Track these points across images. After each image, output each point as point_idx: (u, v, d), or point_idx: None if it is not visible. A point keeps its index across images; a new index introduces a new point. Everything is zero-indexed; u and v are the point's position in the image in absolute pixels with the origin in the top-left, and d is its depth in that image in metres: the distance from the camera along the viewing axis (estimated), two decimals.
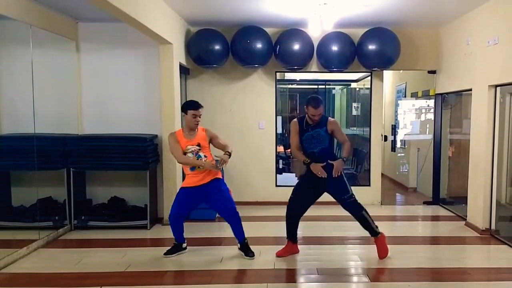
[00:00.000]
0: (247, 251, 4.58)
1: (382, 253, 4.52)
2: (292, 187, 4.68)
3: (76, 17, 5.88)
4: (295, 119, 4.62)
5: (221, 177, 4.59)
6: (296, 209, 4.56)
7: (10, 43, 5.63)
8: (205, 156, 4.46)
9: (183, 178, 4.66)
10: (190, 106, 4.43)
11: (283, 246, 4.66)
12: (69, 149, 5.51)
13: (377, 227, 4.55)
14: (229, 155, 4.49)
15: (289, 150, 8.43)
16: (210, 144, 4.58)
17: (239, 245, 4.64)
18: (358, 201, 4.48)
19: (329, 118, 4.59)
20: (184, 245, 4.73)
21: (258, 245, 4.76)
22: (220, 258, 4.56)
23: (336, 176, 4.32)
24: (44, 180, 5.63)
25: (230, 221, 4.58)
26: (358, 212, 4.48)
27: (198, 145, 4.44)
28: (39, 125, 5.07)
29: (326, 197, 4.54)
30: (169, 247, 4.68)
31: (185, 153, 4.41)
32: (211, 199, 4.56)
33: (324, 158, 4.41)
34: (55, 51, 5.90)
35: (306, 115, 4.46)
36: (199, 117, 4.42)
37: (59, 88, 5.97)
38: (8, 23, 5.22)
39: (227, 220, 4.60)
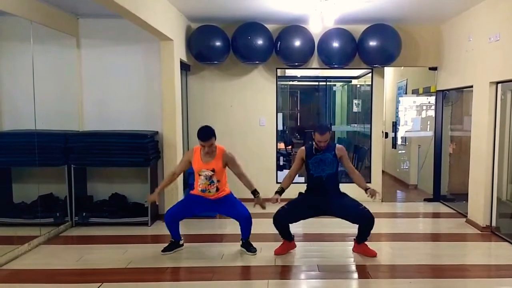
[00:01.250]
0: (249, 247, 4.59)
1: (373, 252, 4.52)
2: (292, 183, 4.68)
3: (76, 13, 5.87)
4: (303, 147, 4.65)
5: (229, 192, 4.61)
6: (284, 218, 4.51)
7: (11, 40, 5.62)
8: (217, 181, 4.42)
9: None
10: (198, 136, 4.33)
11: (280, 244, 4.66)
12: (70, 145, 5.51)
13: None
14: (258, 194, 4.50)
15: (290, 147, 8.45)
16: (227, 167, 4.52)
17: (241, 241, 4.65)
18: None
19: (337, 144, 4.64)
20: (181, 241, 4.73)
21: (259, 242, 4.77)
22: (221, 255, 4.57)
23: (375, 196, 4.32)
24: (45, 177, 5.64)
25: (244, 225, 4.58)
26: (372, 219, 4.41)
27: (213, 170, 4.39)
28: (40, 122, 5.07)
29: None
30: (166, 244, 4.68)
31: (199, 174, 4.40)
32: (223, 211, 4.62)
33: (330, 185, 4.46)
34: (56, 47, 5.90)
35: (314, 142, 4.49)
36: (208, 147, 4.31)
37: (60, 84, 5.96)
38: (8, 19, 5.21)
39: (240, 222, 4.58)
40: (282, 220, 4.51)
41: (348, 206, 4.46)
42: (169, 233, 4.68)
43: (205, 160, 4.40)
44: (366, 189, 4.40)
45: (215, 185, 4.43)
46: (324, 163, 4.46)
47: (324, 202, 4.46)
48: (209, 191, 4.44)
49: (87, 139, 5.62)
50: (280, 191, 4.48)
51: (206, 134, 4.30)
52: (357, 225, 4.51)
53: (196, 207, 4.59)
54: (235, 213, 4.58)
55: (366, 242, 4.60)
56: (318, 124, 4.59)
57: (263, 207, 4.46)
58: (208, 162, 4.39)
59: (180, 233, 4.70)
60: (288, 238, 4.65)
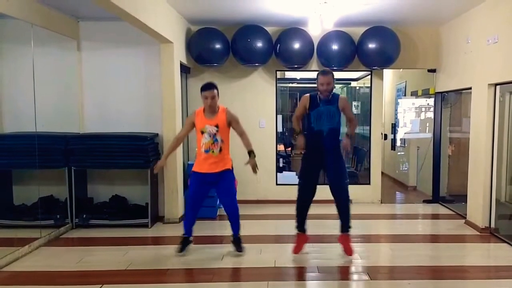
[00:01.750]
0: (239, 245, 4.60)
1: (350, 250, 4.52)
2: (291, 185, 4.69)
3: (77, 16, 5.89)
4: (308, 94, 4.55)
5: (231, 167, 4.58)
6: (307, 192, 4.51)
7: (12, 42, 5.64)
8: (221, 141, 4.40)
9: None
10: (201, 88, 4.41)
11: (295, 243, 4.63)
12: (70, 147, 5.53)
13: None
14: (254, 155, 4.50)
15: (289, 148, 8.46)
16: (231, 127, 4.52)
17: (232, 237, 4.65)
18: None
19: (340, 95, 4.60)
20: (191, 238, 4.70)
21: (259, 243, 4.79)
22: (221, 256, 4.57)
23: (347, 151, 4.30)
24: (46, 179, 5.66)
25: (230, 214, 4.59)
26: (347, 200, 4.50)
27: (217, 126, 4.38)
28: (40, 124, 5.09)
29: (327, 195, 4.55)
30: (178, 245, 4.61)
31: (202, 132, 4.38)
32: (219, 188, 4.55)
33: (331, 140, 4.41)
34: (57, 50, 5.92)
35: (318, 92, 4.43)
36: (211, 99, 4.35)
37: (60, 87, 5.98)
38: (9, 22, 5.24)
39: (227, 212, 4.60)
40: (307, 196, 4.50)
41: (336, 174, 4.46)
42: (170, 235, 4.68)
43: (209, 117, 4.41)
44: (347, 134, 4.47)
45: (219, 145, 4.39)
46: (327, 116, 4.39)
47: (322, 160, 4.45)
48: (213, 151, 4.39)
49: (87, 141, 5.64)
50: (299, 133, 4.49)
51: (210, 84, 4.44)
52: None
53: (202, 183, 4.50)
54: (226, 199, 4.57)
55: (350, 239, 4.58)
56: (321, 69, 4.55)
57: (254, 171, 4.48)
58: (212, 118, 4.40)
59: (180, 234, 4.69)
60: (303, 229, 4.63)
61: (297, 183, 4.61)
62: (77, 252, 4.77)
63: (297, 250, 4.60)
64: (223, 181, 4.51)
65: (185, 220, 4.69)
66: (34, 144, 5.15)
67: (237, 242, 4.62)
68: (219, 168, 4.45)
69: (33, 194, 5.48)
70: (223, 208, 4.73)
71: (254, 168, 4.48)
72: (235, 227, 4.62)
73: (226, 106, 4.47)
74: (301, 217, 4.61)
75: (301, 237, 4.65)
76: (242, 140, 4.59)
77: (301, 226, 4.64)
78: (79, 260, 4.48)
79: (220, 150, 4.42)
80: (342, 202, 4.51)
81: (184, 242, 4.62)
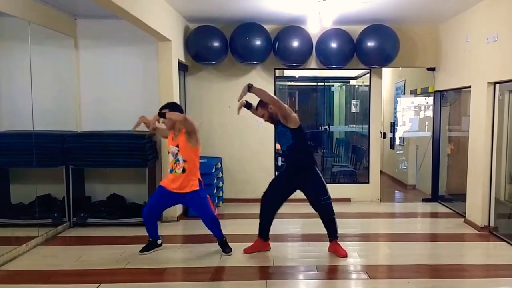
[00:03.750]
0: (225, 247, 4.58)
1: (344, 252, 4.51)
2: None
3: (74, 14, 5.87)
4: None
5: (198, 188, 4.43)
6: (270, 205, 4.55)
7: (9, 40, 5.60)
8: (183, 161, 4.32)
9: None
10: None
11: (253, 242, 4.65)
12: (68, 146, 5.50)
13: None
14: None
15: None
16: (190, 139, 4.35)
17: (217, 241, 4.62)
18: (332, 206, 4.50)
19: None
20: (159, 241, 4.70)
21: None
22: (219, 255, 4.56)
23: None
24: (43, 177, 5.63)
25: (208, 226, 4.55)
26: (329, 216, 4.48)
27: (177, 146, 4.34)
28: (37, 122, 5.06)
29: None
30: (144, 244, 4.65)
31: (168, 152, 4.40)
32: (190, 205, 4.58)
33: (294, 157, 4.46)
34: (54, 48, 5.89)
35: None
36: (169, 121, 4.34)
37: (57, 85, 5.96)
38: (6, 20, 5.20)
39: (206, 224, 4.55)
40: (270, 208, 4.54)
41: (314, 194, 4.47)
42: (167, 234, 4.67)
43: (174, 138, 4.41)
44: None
45: (181, 165, 4.32)
46: (281, 136, 4.45)
47: (294, 178, 4.46)
48: (175, 171, 4.34)
49: (85, 139, 5.62)
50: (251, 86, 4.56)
51: (167, 104, 4.48)
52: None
53: (166, 199, 4.48)
54: (199, 213, 4.54)
55: (339, 242, 4.59)
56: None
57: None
58: (175, 139, 4.40)
59: (178, 233, 4.69)
60: (264, 236, 4.64)
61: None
62: (74, 251, 4.75)
63: (248, 250, 4.60)
64: (192, 201, 4.48)
65: (145, 226, 4.64)
66: (32, 142, 5.12)
67: (223, 245, 4.60)
68: (185, 189, 4.38)
69: (30, 193, 5.46)
70: (220, 208, 4.71)
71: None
72: (217, 234, 4.58)
73: (225, 106, 4.45)
74: (261, 222, 4.63)
75: (261, 243, 4.65)
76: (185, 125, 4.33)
77: (263, 233, 4.65)
78: (76, 259, 4.46)
79: (183, 170, 4.34)
80: (325, 218, 4.52)
81: (150, 244, 4.65)
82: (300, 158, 4.44)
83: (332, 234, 4.55)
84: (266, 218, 4.61)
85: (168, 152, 4.42)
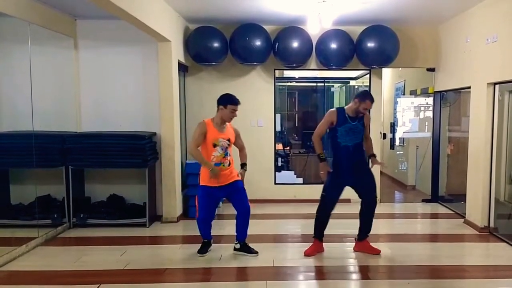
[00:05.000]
0: (249, 249, 4.57)
1: (376, 250, 4.59)
2: (290, 185, 4.67)
3: (74, 15, 5.86)
4: (334, 109, 4.57)
5: (239, 177, 4.53)
6: (328, 204, 4.53)
7: (8, 41, 5.59)
8: (230, 155, 4.42)
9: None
10: (231, 101, 4.38)
11: (311, 245, 4.64)
12: (67, 146, 5.50)
13: None
14: (246, 168, 4.56)
15: (288, 148, 8.44)
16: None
17: (238, 245, 4.60)
18: None
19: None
20: (212, 241, 4.70)
21: (257, 243, 4.76)
22: (219, 256, 4.56)
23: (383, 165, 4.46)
24: (43, 178, 5.62)
25: (242, 219, 4.54)
26: (372, 213, 4.57)
27: (229, 140, 4.40)
28: (37, 123, 5.06)
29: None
30: (199, 245, 4.62)
31: (214, 145, 4.31)
32: (231, 198, 4.50)
33: (357, 154, 4.44)
34: (54, 49, 5.89)
35: (353, 107, 4.40)
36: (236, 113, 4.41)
37: (57, 85, 5.96)
38: (6, 20, 5.20)
39: (240, 216, 4.53)
40: (327, 207, 4.52)
41: (367, 189, 4.53)
42: (168, 234, 4.66)
43: (221, 130, 4.39)
44: (369, 156, 4.53)
45: (228, 159, 4.39)
46: (354, 132, 4.41)
47: (350, 176, 4.45)
48: (223, 165, 4.35)
49: (85, 140, 5.61)
50: (324, 159, 4.46)
51: (237, 99, 4.44)
52: (360, 214, 4.58)
53: (212, 198, 4.47)
54: (239, 201, 4.49)
55: (367, 241, 4.64)
56: (364, 91, 4.64)
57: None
58: (223, 132, 4.40)
59: (179, 234, 4.69)
60: (320, 237, 4.64)
61: (320, 196, 4.57)
62: (74, 252, 4.75)
63: (309, 252, 4.58)
64: (235, 191, 4.46)
65: (200, 231, 4.62)
66: (31, 143, 5.11)
67: (246, 247, 4.59)
68: (229, 180, 4.42)
69: (30, 194, 5.45)
70: (220, 208, 4.71)
71: (242, 178, 4.52)
72: (243, 229, 4.56)
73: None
74: (322, 228, 4.63)
75: (318, 245, 4.65)
76: (240, 153, 4.65)
77: (320, 234, 4.65)
78: (76, 260, 4.46)
79: (229, 164, 4.42)
80: (368, 215, 4.56)
81: (206, 245, 4.63)
82: (362, 154, 4.51)
83: (366, 232, 4.63)
84: (327, 218, 4.59)
85: (215, 146, 4.32)
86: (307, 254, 4.55)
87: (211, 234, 4.68)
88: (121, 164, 5.64)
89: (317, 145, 4.51)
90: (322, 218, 4.59)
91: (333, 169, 4.53)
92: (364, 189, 4.52)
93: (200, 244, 4.62)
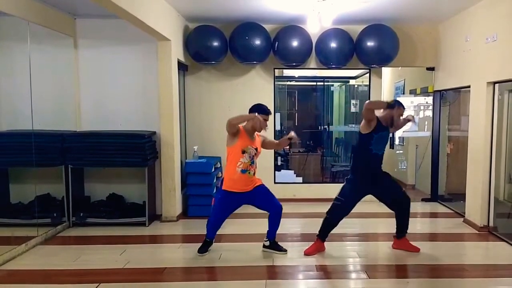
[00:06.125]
0: (278, 246, 4.60)
1: (416, 248, 4.64)
2: (289, 184, 4.66)
3: (74, 13, 5.86)
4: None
5: (262, 182, 4.54)
6: (343, 211, 4.51)
7: (8, 40, 5.59)
8: (255, 164, 4.42)
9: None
10: (263, 111, 4.36)
11: (312, 244, 4.65)
12: (67, 145, 5.50)
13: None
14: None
15: (287, 147, 8.43)
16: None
17: (268, 242, 4.62)
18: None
19: None
20: (213, 241, 4.68)
21: (257, 241, 4.77)
22: (218, 255, 4.56)
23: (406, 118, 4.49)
24: (42, 177, 5.62)
25: (274, 218, 4.54)
26: (408, 207, 4.59)
27: (256, 149, 4.40)
28: (37, 122, 5.05)
29: (325, 193, 4.52)
30: (202, 246, 4.59)
31: (243, 152, 4.29)
32: (257, 203, 4.50)
33: (380, 163, 4.47)
34: (53, 48, 5.89)
35: (391, 117, 4.35)
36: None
37: (57, 84, 5.95)
38: (5, 19, 5.19)
39: (272, 216, 4.54)
40: (341, 213, 4.52)
41: (394, 191, 4.55)
42: (167, 233, 4.65)
43: (251, 139, 4.39)
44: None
45: (254, 167, 4.40)
46: (384, 141, 4.42)
47: (373, 186, 4.46)
48: (249, 172, 4.35)
49: (84, 139, 5.61)
50: (393, 104, 4.36)
51: (269, 109, 4.48)
52: (396, 214, 4.60)
53: (233, 204, 4.46)
54: (268, 202, 4.49)
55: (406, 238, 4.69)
56: (397, 100, 4.55)
57: (295, 140, 4.55)
58: (254, 141, 4.40)
59: (178, 233, 4.68)
60: (323, 238, 4.65)
61: (335, 200, 4.54)
62: (74, 251, 4.75)
63: (309, 251, 4.59)
64: (259, 195, 4.46)
65: (207, 231, 4.59)
66: (31, 142, 5.11)
67: (275, 244, 4.61)
68: (252, 186, 4.42)
69: (30, 193, 5.46)
70: None
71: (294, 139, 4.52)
72: (274, 227, 4.58)
73: (224, 105, 4.42)
74: (327, 231, 4.63)
75: (319, 245, 4.65)
76: (278, 145, 4.84)
77: (324, 236, 4.65)
78: (76, 259, 4.46)
79: (254, 173, 4.43)
80: (406, 213, 4.59)
81: (207, 244, 4.61)
82: (381, 164, 4.48)
83: (403, 230, 4.66)
84: (337, 224, 4.58)
85: (244, 152, 4.30)
86: (307, 253, 4.55)
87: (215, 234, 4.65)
88: (120, 163, 5.64)
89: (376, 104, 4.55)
90: (332, 222, 4.57)
91: (356, 177, 4.49)
92: (391, 194, 4.53)
93: (201, 243, 4.60)
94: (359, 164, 4.55)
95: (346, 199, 4.46)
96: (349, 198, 4.47)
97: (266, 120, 4.35)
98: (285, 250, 4.57)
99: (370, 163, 4.41)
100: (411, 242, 4.72)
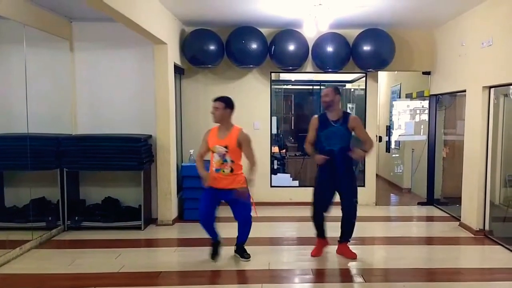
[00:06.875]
0: (243, 253, 4.54)
1: (353, 254, 4.57)
2: (286, 187, 4.66)
3: (70, 17, 5.85)
4: (316, 116, 4.59)
5: (246, 185, 4.40)
6: (320, 207, 4.54)
7: (4, 43, 5.58)
8: (231, 161, 4.28)
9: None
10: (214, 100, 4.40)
11: (315, 245, 4.68)
12: (62, 149, 5.48)
13: None
14: (248, 186, 4.36)
15: (284, 150, 8.45)
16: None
17: (235, 246, 4.59)
18: None
19: (352, 115, 4.61)
20: (219, 238, 4.58)
21: (253, 245, 4.75)
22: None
23: (356, 158, 4.34)
24: (38, 181, 5.61)
25: (242, 225, 4.50)
26: (353, 218, 4.53)
27: (226, 146, 4.27)
28: (32, 125, 5.03)
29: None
30: (210, 250, 4.51)
31: (213, 152, 4.28)
32: (232, 203, 4.45)
33: (342, 158, 4.38)
34: (49, 51, 5.87)
35: (326, 111, 4.48)
36: (215, 109, 4.32)
37: (52, 87, 5.93)
38: (1, 22, 5.17)
39: (239, 224, 4.51)
40: (318, 217, 4.56)
41: (347, 192, 4.49)
42: (163, 237, 4.64)
43: (221, 137, 4.32)
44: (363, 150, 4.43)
45: (229, 165, 4.29)
46: (336, 136, 4.39)
47: (336, 178, 4.44)
48: (223, 171, 4.28)
49: (80, 142, 5.59)
50: (312, 154, 4.49)
51: (220, 96, 4.43)
52: (341, 218, 4.55)
53: (214, 197, 4.38)
54: (238, 211, 4.45)
55: (348, 244, 4.64)
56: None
57: (238, 195, 4.31)
58: (223, 139, 4.31)
59: (174, 237, 4.65)
60: (323, 235, 4.66)
61: (311, 199, 4.60)
62: (69, 255, 4.73)
63: (316, 252, 4.63)
64: (235, 198, 4.38)
65: (209, 234, 4.53)
66: (26, 145, 5.09)
67: (241, 250, 4.56)
68: (232, 185, 4.33)
69: (24, 196, 5.44)
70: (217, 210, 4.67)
71: (239, 194, 4.31)
72: (243, 235, 4.53)
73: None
74: (320, 229, 4.66)
75: (322, 242, 4.69)
76: (250, 170, 4.40)
77: (321, 234, 4.68)
78: (71, 263, 4.43)
79: (231, 170, 4.30)
80: (348, 219, 4.54)
81: (216, 246, 4.53)
82: (348, 158, 4.42)
83: (346, 237, 4.61)
84: (322, 221, 4.62)
85: (213, 151, 4.29)
86: (314, 255, 4.59)
87: (218, 234, 4.54)
88: (116, 166, 5.62)
89: (309, 151, 4.56)
90: (317, 222, 4.62)
91: (319, 174, 4.57)
92: (345, 194, 4.50)
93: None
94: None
95: (316, 199, 4.55)
96: (318, 197, 4.54)
97: (213, 106, 4.34)
98: (248, 258, 4.49)
99: (327, 159, 4.39)
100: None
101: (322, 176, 4.52)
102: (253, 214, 4.49)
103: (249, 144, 4.37)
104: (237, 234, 4.56)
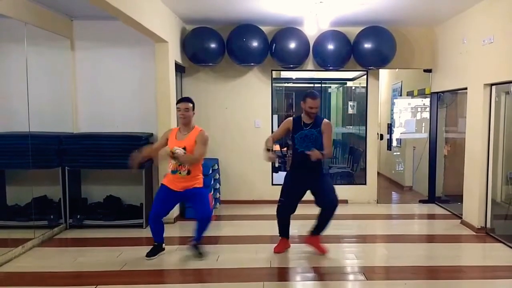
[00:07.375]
0: (197, 250, 4.50)
1: (323, 249, 4.60)
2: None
3: (71, 15, 5.85)
4: (291, 118, 4.65)
5: (202, 185, 4.44)
6: (286, 210, 4.59)
7: (5, 41, 5.58)
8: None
9: None
10: (177, 101, 4.42)
11: (278, 242, 4.72)
12: (64, 147, 5.48)
13: None
14: (175, 153, 4.16)
15: (285, 148, 8.45)
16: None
17: (193, 242, 4.52)
18: None
19: (325, 119, 4.61)
20: (164, 245, 4.62)
21: (254, 243, 4.77)
22: (216, 256, 4.55)
23: (314, 157, 4.22)
24: (39, 179, 5.61)
25: (200, 224, 4.47)
26: (332, 215, 4.51)
27: (184, 148, 4.22)
28: (34, 123, 5.04)
29: None
30: (150, 247, 4.55)
31: (173, 153, 4.18)
32: (191, 203, 4.45)
33: (316, 160, 4.35)
34: (50, 49, 5.87)
35: (303, 113, 4.51)
36: (184, 111, 4.26)
37: (54, 86, 5.93)
38: (2, 21, 5.18)
39: (198, 221, 4.48)
40: (285, 212, 4.58)
41: (324, 188, 4.49)
42: (165, 235, 4.62)
43: (180, 138, 4.29)
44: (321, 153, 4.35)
45: (186, 167, 4.26)
46: (309, 139, 4.44)
47: (308, 178, 4.48)
48: (180, 173, 4.26)
49: (81, 141, 5.60)
50: (270, 149, 4.50)
51: (183, 98, 4.41)
52: (320, 212, 4.54)
53: (170, 198, 4.39)
54: (197, 208, 4.45)
55: (319, 238, 4.67)
56: (308, 91, 4.59)
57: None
58: (182, 140, 4.28)
59: (175, 235, 4.65)
60: (286, 235, 4.70)
61: (279, 199, 4.62)
62: (71, 253, 4.74)
63: (279, 249, 4.67)
64: (194, 198, 4.41)
65: (151, 232, 4.53)
66: (28, 144, 5.10)
67: (195, 248, 4.51)
68: (188, 187, 4.33)
69: (26, 195, 5.43)
70: (217, 209, 4.69)
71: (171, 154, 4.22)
72: (199, 233, 4.49)
73: (222, 107, 4.38)
74: (282, 227, 4.70)
75: (285, 242, 4.74)
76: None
77: (284, 234, 4.72)
78: (73, 261, 4.44)
79: (188, 172, 4.28)
80: (326, 215, 4.51)
81: (156, 248, 4.55)
82: (319, 162, 4.43)
83: (320, 230, 4.61)
84: (286, 221, 4.66)
85: (172, 153, 4.22)
86: (275, 251, 4.64)
87: (163, 238, 4.57)
88: (117, 165, 5.59)
89: (268, 144, 4.53)
90: (282, 221, 4.67)
91: (290, 175, 4.62)
92: (321, 195, 4.50)
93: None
94: (292, 163, 4.65)
95: (285, 199, 4.57)
96: (286, 197, 4.57)
97: (179, 108, 4.29)
98: (200, 256, 4.45)
99: (299, 161, 4.46)
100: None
101: (294, 177, 4.56)
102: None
103: (204, 143, 4.33)
104: (195, 231, 4.52)
